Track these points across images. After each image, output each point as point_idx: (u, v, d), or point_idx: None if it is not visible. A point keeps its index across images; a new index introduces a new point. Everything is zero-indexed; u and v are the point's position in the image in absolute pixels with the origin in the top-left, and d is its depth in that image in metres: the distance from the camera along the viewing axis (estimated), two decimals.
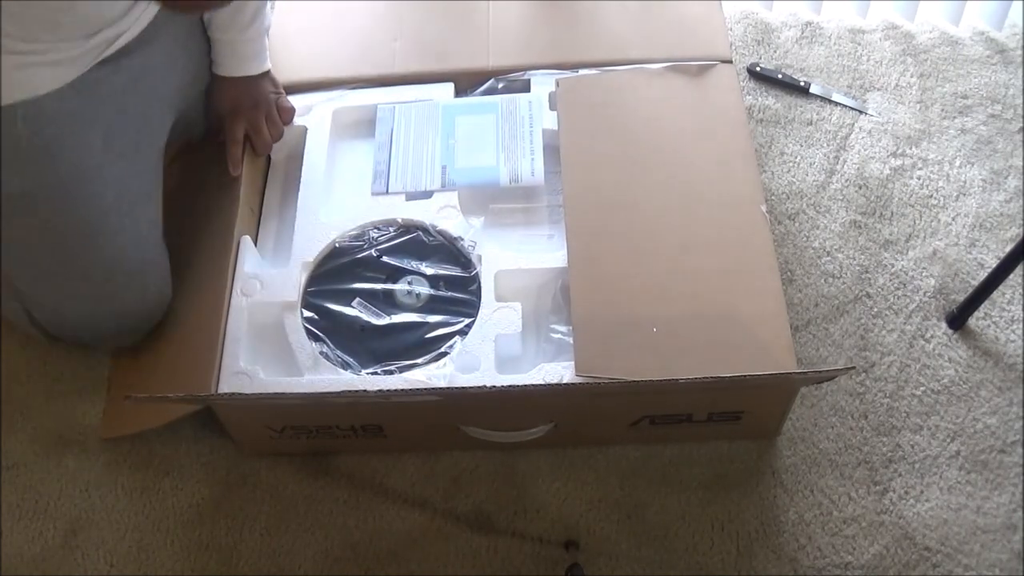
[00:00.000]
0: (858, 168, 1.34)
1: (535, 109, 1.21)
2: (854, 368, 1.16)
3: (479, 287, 1.09)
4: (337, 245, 1.14)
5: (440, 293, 1.10)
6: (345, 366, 1.06)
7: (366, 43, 1.30)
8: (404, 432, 1.10)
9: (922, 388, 1.15)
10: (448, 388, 1.01)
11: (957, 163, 1.33)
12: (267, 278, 1.11)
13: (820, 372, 1.00)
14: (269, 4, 1.22)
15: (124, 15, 1.03)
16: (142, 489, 1.14)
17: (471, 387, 1.00)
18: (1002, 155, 1.34)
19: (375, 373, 1.05)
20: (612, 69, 1.22)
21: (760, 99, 1.41)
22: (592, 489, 1.11)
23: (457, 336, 1.07)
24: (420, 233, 1.14)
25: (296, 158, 1.24)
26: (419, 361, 1.05)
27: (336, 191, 1.21)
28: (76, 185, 1.04)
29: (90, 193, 1.05)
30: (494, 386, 0.98)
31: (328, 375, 1.04)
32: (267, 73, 1.23)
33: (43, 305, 1.14)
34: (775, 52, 1.47)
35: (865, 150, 1.35)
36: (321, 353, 1.06)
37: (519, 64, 1.24)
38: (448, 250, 1.13)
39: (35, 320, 1.17)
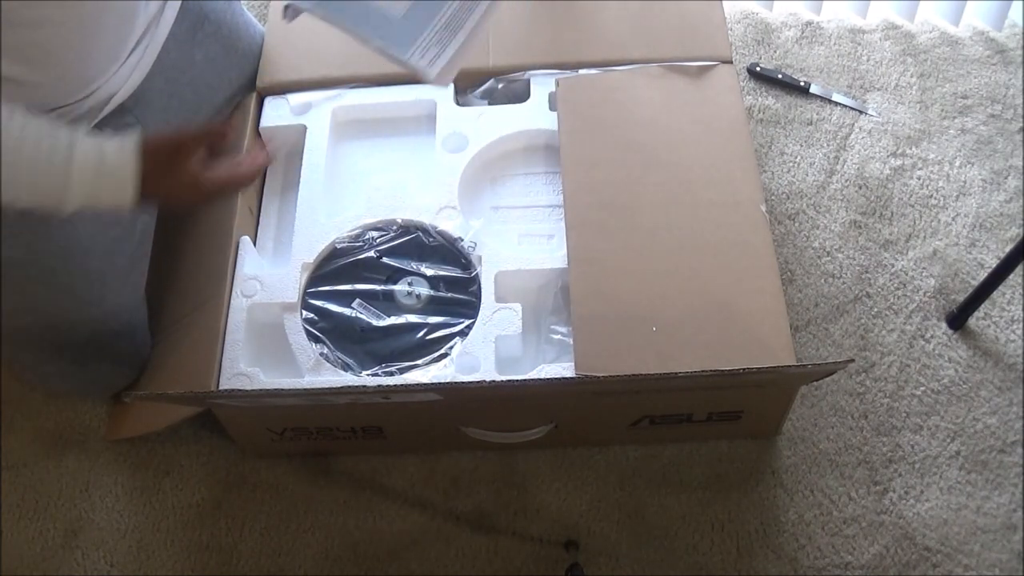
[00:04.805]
0: (858, 168, 1.34)
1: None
2: (852, 360, 1.16)
3: (479, 288, 1.09)
4: (337, 246, 1.14)
5: (440, 294, 1.10)
6: (345, 367, 1.06)
7: None
8: (404, 433, 1.10)
9: (922, 388, 1.15)
10: (448, 384, 1.01)
11: (957, 163, 1.33)
12: (267, 279, 1.11)
13: (818, 365, 1.00)
14: None
15: (113, 74, 1.00)
16: (142, 489, 1.14)
17: (471, 382, 1.00)
18: (1002, 155, 1.34)
19: (375, 374, 1.05)
20: (612, 69, 1.21)
21: (760, 99, 1.41)
22: (592, 489, 1.11)
23: (457, 337, 1.07)
24: (420, 234, 1.14)
25: (295, 157, 1.23)
26: (419, 362, 1.05)
27: (336, 191, 1.21)
28: (63, 259, 1.02)
29: (76, 265, 1.03)
30: (493, 381, 0.98)
31: (328, 376, 1.04)
32: None
33: (24, 363, 1.16)
34: (775, 52, 1.47)
35: (865, 150, 1.35)
36: (321, 354, 1.06)
37: (519, 64, 1.24)
38: (448, 251, 1.13)
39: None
